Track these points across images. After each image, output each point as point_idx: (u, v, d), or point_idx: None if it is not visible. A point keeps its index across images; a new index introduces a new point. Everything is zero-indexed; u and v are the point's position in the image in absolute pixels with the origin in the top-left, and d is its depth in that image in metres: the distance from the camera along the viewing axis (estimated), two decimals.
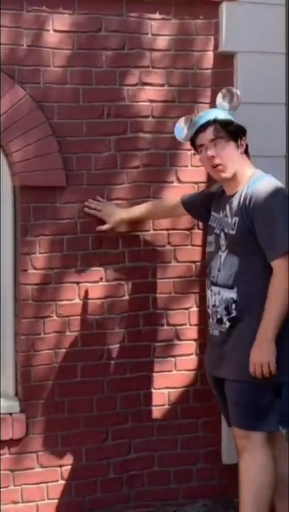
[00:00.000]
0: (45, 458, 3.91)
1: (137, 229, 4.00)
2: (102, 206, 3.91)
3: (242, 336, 3.43)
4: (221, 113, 3.56)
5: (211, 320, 3.58)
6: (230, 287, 3.46)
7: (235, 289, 3.44)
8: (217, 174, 3.56)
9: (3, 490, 3.85)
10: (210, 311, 3.58)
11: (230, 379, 3.49)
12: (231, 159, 3.52)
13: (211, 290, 3.56)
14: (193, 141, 3.61)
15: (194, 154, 3.72)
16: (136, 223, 3.98)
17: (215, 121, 3.51)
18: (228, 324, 3.47)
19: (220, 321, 3.50)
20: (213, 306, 3.54)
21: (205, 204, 3.77)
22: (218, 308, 3.50)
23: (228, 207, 3.54)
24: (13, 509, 3.86)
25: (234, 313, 3.45)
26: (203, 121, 3.55)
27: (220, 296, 3.50)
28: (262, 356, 3.34)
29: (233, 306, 3.45)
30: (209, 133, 3.52)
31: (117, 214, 3.91)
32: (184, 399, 4.09)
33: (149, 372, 4.04)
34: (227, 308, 3.46)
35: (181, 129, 3.67)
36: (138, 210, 3.95)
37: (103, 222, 3.92)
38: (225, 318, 3.47)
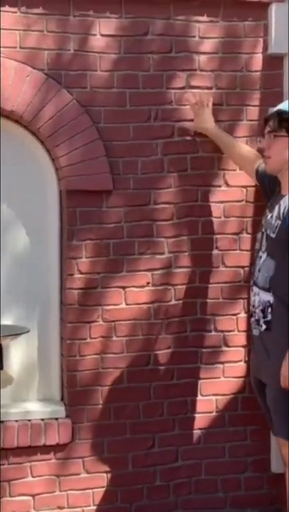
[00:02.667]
0: (91, 464, 3.89)
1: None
2: (200, 107, 3.89)
3: (276, 342, 3.37)
4: (287, 106, 3.51)
5: (252, 319, 3.55)
6: (268, 290, 3.41)
7: (272, 293, 3.40)
8: (265, 165, 3.58)
9: (49, 495, 3.84)
10: (251, 310, 3.56)
11: (268, 384, 3.44)
12: (279, 154, 3.47)
13: (252, 290, 3.54)
14: None
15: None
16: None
17: (278, 114, 3.49)
18: (263, 327, 3.43)
19: (257, 322, 3.47)
20: (253, 306, 3.51)
21: (270, 187, 3.70)
22: (256, 309, 3.48)
23: (276, 207, 3.48)
24: None
25: (269, 317, 3.40)
26: (273, 110, 3.58)
27: (259, 298, 3.46)
28: None
29: (269, 309, 3.40)
30: (270, 124, 3.52)
31: (206, 123, 3.90)
32: (232, 406, 4.03)
33: (196, 378, 4.00)
34: (263, 311, 3.43)
35: None
36: (222, 136, 3.92)
37: (148, 229, 3.91)
38: (261, 321, 3.44)
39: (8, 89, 3.74)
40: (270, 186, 3.69)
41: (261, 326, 3.44)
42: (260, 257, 3.50)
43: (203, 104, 3.90)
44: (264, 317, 3.42)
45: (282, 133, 3.47)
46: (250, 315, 3.61)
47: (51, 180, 3.90)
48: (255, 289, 3.50)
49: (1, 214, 3.88)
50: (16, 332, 3.77)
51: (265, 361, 3.44)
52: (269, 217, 3.51)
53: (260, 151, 3.71)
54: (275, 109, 3.57)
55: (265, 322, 3.42)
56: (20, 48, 3.77)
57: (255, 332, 3.51)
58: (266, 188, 3.73)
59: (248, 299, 3.94)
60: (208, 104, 3.92)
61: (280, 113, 3.49)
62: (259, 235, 3.59)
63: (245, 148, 3.92)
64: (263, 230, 3.53)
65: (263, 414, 3.68)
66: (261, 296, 3.44)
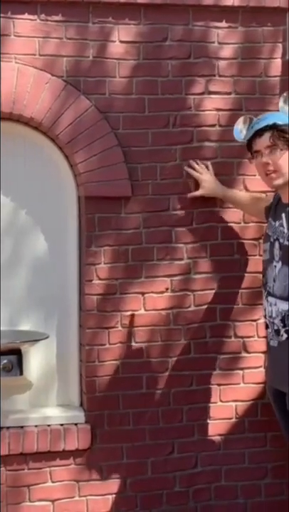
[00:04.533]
0: (110, 469, 3.89)
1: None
2: (203, 171, 3.90)
3: None
4: (281, 118, 3.40)
5: (269, 330, 3.49)
6: (286, 299, 3.35)
7: None
8: (269, 181, 3.46)
9: (69, 500, 3.85)
10: (267, 322, 3.50)
11: None
12: (285, 167, 3.39)
13: (268, 300, 3.47)
14: (250, 144, 3.49)
15: (250, 159, 3.61)
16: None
17: (273, 127, 3.39)
18: (285, 336, 3.38)
19: (277, 333, 3.41)
20: (270, 316, 3.45)
21: (269, 209, 3.68)
22: (274, 320, 3.42)
23: (284, 216, 3.44)
24: None
25: None
26: (261, 125, 3.43)
27: (276, 308, 3.41)
28: None
29: None
30: (266, 139, 3.40)
31: (214, 186, 3.89)
32: (251, 412, 4.02)
33: (215, 384, 3.99)
34: (283, 320, 3.37)
35: (239, 131, 3.55)
36: (232, 194, 3.91)
37: (167, 235, 3.90)
38: (282, 330, 3.38)
39: (27, 96, 3.76)
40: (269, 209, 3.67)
41: (282, 335, 3.38)
42: (275, 266, 3.43)
43: (206, 171, 3.90)
44: (284, 326, 3.37)
45: (280, 146, 3.38)
46: (266, 326, 3.56)
47: (70, 187, 3.92)
48: (271, 299, 3.43)
49: (19, 220, 3.91)
50: (35, 338, 3.81)
51: (286, 371, 3.39)
52: (278, 225, 3.46)
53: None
54: (266, 123, 3.43)
55: (286, 331, 3.37)
56: (40, 55, 3.80)
57: (273, 343, 3.45)
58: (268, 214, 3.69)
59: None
60: (209, 168, 3.92)
61: (274, 126, 3.39)
62: (267, 245, 3.51)
63: (253, 197, 3.90)
64: (272, 239, 3.48)
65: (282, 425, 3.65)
66: (279, 306, 3.39)
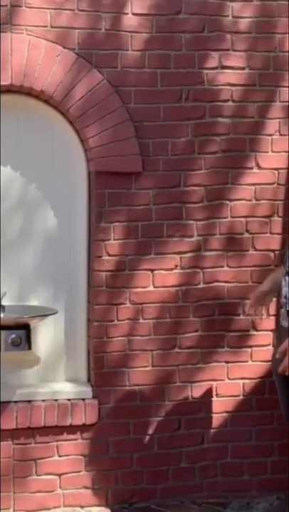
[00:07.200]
0: (117, 444, 3.91)
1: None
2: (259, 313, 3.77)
3: None
4: None
5: (282, 310, 3.45)
6: None
7: None
8: None
9: (75, 475, 3.87)
10: (281, 302, 3.46)
11: None
12: None
13: (286, 280, 3.39)
14: None
15: None
16: None
17: None
18: None
19: None
20: (285, 297, 3.39)
21: None
22: None
23: None
24: (84, 493, 3.88)
25: None
26: None
27: None
28: None
29: None
30: None
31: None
32: (259, 390, 4.02)
33: (223, 362, 3.98)
34: None
35: None
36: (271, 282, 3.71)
37: (177, 212, 3.87)
38: None
39: (38, 69, 3.71)
40: None
41: None
42: None
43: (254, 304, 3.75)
44: None
45: None
46: (279, 306, 3.52)
47: (80, 162, 3.88)
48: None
49: (29, 195, 3.88)
50: (43, 313, 3.81)
51: None
52: None
53: None
54: None
55: None
56: (51, 27, 3.74)
57: (285, 324, 3.40)
58: None
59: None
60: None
61: None
62: None
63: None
64: None
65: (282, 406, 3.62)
66: None
